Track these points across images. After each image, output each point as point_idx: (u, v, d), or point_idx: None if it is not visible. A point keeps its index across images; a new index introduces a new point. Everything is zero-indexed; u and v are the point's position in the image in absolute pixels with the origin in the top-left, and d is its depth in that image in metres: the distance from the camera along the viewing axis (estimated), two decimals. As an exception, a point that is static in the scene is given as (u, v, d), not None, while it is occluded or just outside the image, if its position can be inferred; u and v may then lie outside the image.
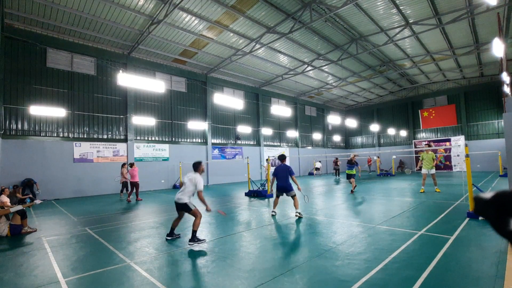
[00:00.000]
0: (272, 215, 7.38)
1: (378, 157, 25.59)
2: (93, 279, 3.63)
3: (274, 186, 7.63)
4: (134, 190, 11.36)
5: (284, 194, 7.32)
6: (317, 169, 25.41)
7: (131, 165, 11.42)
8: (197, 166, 5.36)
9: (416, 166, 10.64)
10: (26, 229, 6.13)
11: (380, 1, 12.28)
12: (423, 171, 10.63)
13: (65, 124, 13.36)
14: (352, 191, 11.51)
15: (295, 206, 7.12)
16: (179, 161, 17.00)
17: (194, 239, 4.92)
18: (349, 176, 12.03)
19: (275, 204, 7.55)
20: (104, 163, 14.28)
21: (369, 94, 28.14)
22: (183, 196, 5.10)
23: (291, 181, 7.21)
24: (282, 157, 7.60)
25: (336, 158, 22.66)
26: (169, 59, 16.70)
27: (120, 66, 15.04)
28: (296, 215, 7.02)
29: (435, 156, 10.42)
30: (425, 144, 11.36)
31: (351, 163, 12.04)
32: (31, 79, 12.49)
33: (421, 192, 10.39)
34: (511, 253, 3.84)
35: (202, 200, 5.05)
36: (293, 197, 7.21)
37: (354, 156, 12.23)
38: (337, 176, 21.91)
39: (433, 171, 10.50)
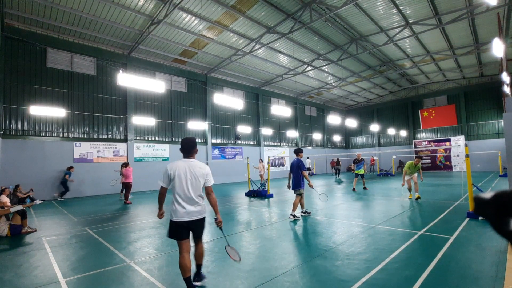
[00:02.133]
0: (290, 220, 6.65)
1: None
2: (93, 279, 3.63)
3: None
4: (124, 191, 10.94)
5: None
6: (308, 169, 23.98)
7: (126, 165, 11.16)
8: (190, 145, 3.25)
9: (403, 181, 9.63)
10: (26, 229, 6.13)
11: (380, 1, 12.28)
12: (407, 178, 9.53)
13: (65, 124, 13.35)
14: (364, 188, 12.48)
15: (293, 205, 6.74)
16: (179, 161, 17.00)
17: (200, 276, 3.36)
18: (357, 175, 12.29)
19: (295, 206, 6.77)
20: (104, 163, 14.26)
21: (369, 94, 28.14)
22: (197, 205, 3.13)
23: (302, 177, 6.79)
24: (296, 151, 7.05)
25: (337, 159, 22.69)
26: (169, 59, 16.69)
27: (120, 66, 15.03)
28: (289, 217, 6.77)
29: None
30: (417, 157, 10.88)
31: (359, 161, 12.07)
32: (31, 79, 12.48)
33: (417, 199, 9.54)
34: (511, 253, 3.84)
35: (214, 206, 3.18)
36: (297, 196, 6.77)
37: (359, 155, 12.44)
38: (338, 176, 21.91)
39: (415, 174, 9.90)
